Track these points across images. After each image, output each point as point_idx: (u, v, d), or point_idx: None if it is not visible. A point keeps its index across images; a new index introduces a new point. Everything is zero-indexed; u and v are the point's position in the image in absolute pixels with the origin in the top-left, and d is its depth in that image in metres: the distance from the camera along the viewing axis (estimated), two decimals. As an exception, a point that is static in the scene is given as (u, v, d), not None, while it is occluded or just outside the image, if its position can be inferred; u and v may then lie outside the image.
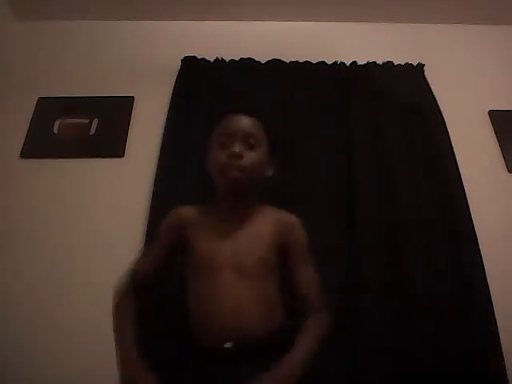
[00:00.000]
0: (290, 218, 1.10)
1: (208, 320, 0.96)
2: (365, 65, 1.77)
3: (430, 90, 1.72)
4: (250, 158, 1.03)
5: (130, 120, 1.68)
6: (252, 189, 1.10)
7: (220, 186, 1.09)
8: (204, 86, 1.66)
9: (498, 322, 1.26)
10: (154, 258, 1.07)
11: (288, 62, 1.77)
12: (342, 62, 1.76)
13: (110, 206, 1.50)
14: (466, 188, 1.48)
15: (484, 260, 1.36)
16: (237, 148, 1.01)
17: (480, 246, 1.38)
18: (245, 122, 1.06)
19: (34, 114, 1.69)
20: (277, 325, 0.98)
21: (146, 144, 1.60)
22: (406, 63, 1.79)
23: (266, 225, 1.08)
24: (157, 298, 1.16)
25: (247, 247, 1.02)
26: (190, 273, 1.05)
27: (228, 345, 0.92)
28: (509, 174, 1.61)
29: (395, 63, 1.79)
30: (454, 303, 1.29)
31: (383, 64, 1.78)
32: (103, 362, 1.24)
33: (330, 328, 0.97)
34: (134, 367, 0.89)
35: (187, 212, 1.11)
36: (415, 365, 1.19)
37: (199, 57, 1.77)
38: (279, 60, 1.76)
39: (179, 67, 1.75)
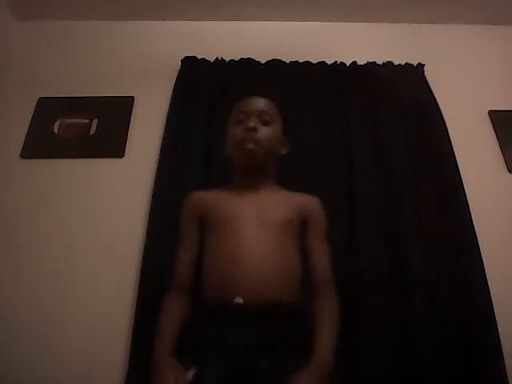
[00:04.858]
0: (311, 197, 1.14)
1: (225, 274, 0.95)
2: (365, 65, 1.76)
3: (430, 90, 1.72)
4: (265, 132, 1.10)
5: (129, 120, 1.67)
6: (267, 163, 1.14)
7: (236, 161, 1.14)
8: (204, 86, 1.66)
9: (497, 322, 1.26)
10: (189, 252, 1.06)
11: (288, 62, 1.77)
12: (342, 62, 1.76)
13: (110, 206, 1.50)
14: (465, 188, 1.48)
15: (484, 260, 1.35)
16: (252, 123, 1.08)
17: (480, 246, 1.38)
18: (259, 101, 1.15)
19: (34, 113, 1.69)
20: (293, 288, 0.98)
21: (146, 144, 1.60)
22: (406, 63, 1.79)
23: (287, 198, 1.12)
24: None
25: (272, 207, 1.06)
26: (209, 235, 1.05)
27: (239, 300, 0.90)
28: (509, 173, 1.61)
29: (395, 63, 1.78)
30: (453, 303, 1.29)
31: (383, 64, 1.78)
32: (104, 363, 1.25)
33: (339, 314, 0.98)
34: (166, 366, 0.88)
35: (202, 194, 1.15)
36: (415, 365, 1.19)
37: (199, 57, 1.76)
38: (279, 60, 1.76)
39: (179, 67, 1.75)
